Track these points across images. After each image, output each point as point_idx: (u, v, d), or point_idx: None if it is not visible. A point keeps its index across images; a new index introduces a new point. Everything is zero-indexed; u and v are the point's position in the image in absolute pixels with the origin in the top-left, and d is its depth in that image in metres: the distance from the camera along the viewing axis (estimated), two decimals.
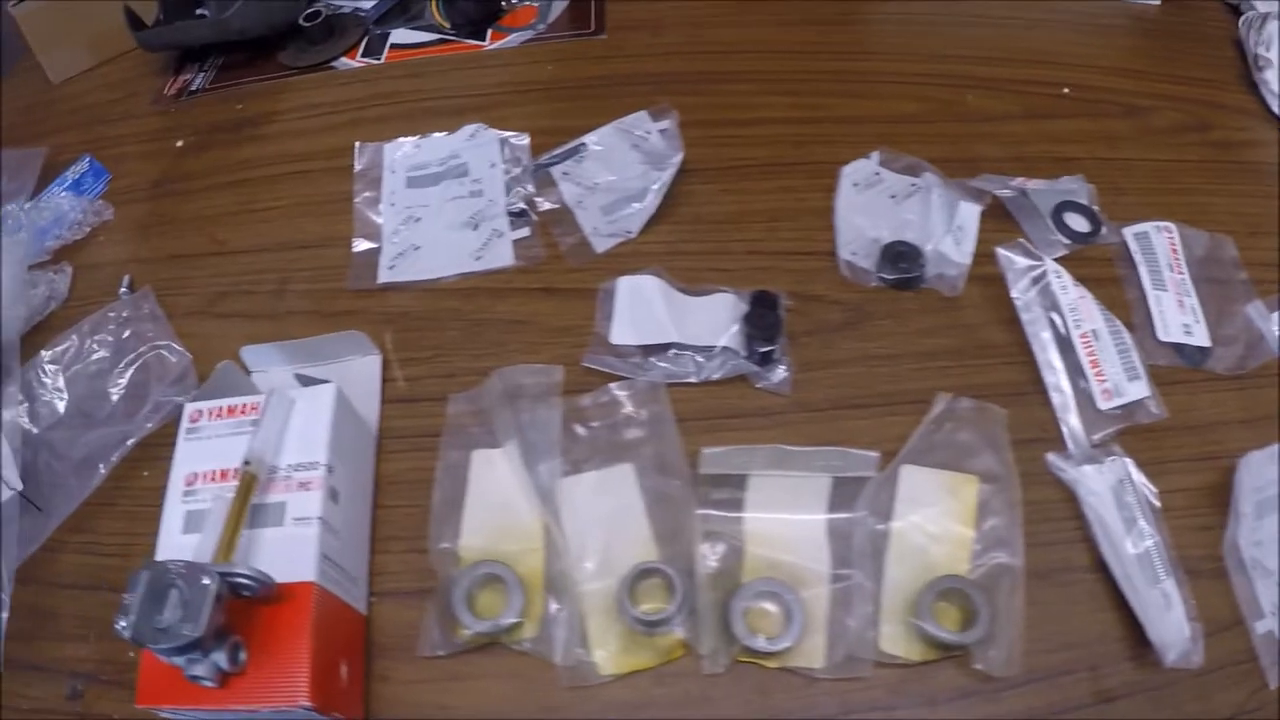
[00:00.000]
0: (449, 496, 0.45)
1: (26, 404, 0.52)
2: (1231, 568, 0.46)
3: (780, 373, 0.48)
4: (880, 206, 0.55)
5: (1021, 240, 0.50)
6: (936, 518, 0.44)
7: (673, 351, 0.48)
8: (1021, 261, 0.50)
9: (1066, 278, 0.50)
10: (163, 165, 0.66)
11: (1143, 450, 0.48)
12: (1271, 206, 0.60)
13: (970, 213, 0.52)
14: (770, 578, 0.42)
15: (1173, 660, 0.41)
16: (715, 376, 0.48)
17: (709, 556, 0.43)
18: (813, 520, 0.44)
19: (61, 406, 0.52)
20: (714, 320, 0.49)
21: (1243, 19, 0.68)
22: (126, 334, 0.55)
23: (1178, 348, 0.52)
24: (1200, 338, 0.53)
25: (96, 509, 0.48)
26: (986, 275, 0.51)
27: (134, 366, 0.53)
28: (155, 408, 0.51)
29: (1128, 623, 0.43)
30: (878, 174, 0.55)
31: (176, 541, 0.39)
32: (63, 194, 0.65)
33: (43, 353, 0.54)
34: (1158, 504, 0.47)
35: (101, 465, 0.50)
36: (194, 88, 0.71)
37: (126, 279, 0.58)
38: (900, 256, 0.52)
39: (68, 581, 0.46)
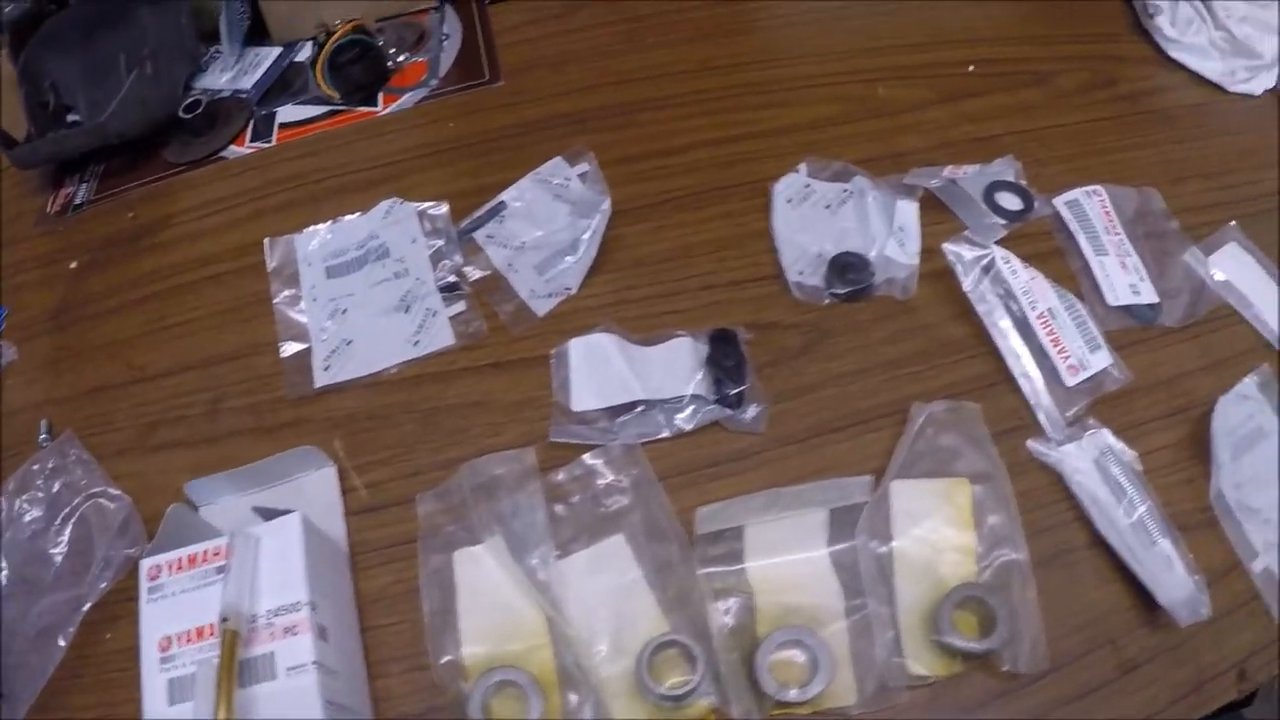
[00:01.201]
0: (439, 605, 0.44)
1: None
2: (1221, 514, 0.48)
3: (753, 411, 0.47)
4: (817, 219, 0.55)
5: (966, 233, 0.51)
6: (936, 528, 0.45)
7: (640, 409, 0.47)
8: (969, 253, 0.51)
9: (1015, 261, 0.51)
10: (60, 291, 0.63)
11: (1116, 418, 0.50)
12: (1187, 151, 0.62)
13: (909, 211, 0.52)
14: (788, 625, 0.42)
15: (1186, 620, 0.43)
16: (688, 427, 0.47)
17: (722, 615, 0.42)
18: (816, 556, 0.44)
19: (2, 578, 0.48)
20: (676, 368, 0.49)
21: None
22: (57, 487, 0.51)
23: (1128, 309, 0.54)
24: (1148, 295, 0.54)
25: (64, 684, 0.45)
26: (934, 272, 0.52)
27: (72, 521, 0.50)
28: (105, 564, 0.48)
29: (1134, 591, 0.45)
30: (808, 186, 0.55)
31: (165, 715, 0.37)
32: None
33: None
34: (1140, 468, 0.48)
35: (60, 637, 0.46)
36: (79, 201, 0.67)
37: (45, 424, 0.55)
38: (848, 268, 0.52)
39: None
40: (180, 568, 0.40)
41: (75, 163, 0.69)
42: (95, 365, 0.58)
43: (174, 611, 0.39)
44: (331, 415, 0.52)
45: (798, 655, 0.41)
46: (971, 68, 0.64)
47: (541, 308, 0.53)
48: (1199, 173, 0.61)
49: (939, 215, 0.56)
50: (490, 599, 0.44)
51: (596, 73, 0.64)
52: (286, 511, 0.43)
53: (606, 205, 0.54)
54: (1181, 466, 0.49)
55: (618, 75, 0.64)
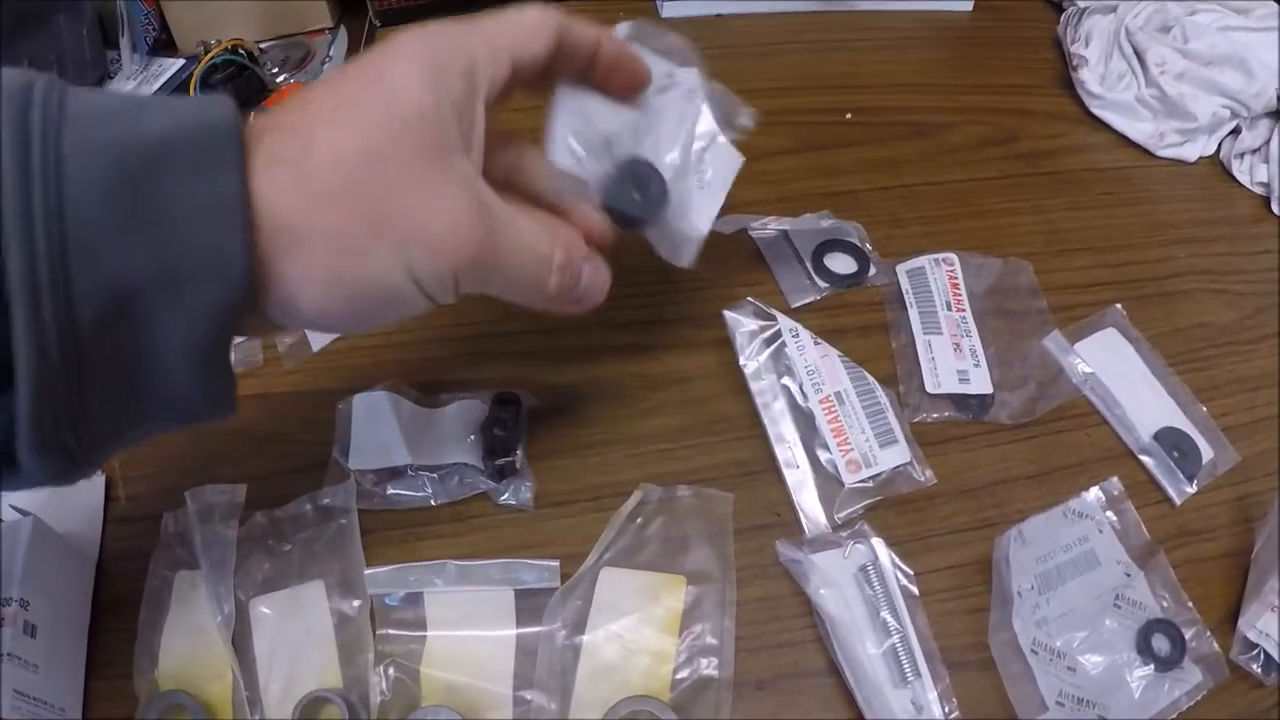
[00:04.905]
0: (150, 620, 0.44)
1: None
2: (999, 657, 0.42)
3: (516, 485, 0.45)
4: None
5: (751, 299, 0.46)
6: (634, 627, 0.41)
7: (409, 473, 0.46)
8: (750, 323, 0.46)
9: (805, 337, 0.46)
10: None
11: (901, 526, 0.44)
12: (1084, 219, 0.56)
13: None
14: (442, 704, 0.40)
15: None
16: (458, 496, 0.45)
17: (384, 680, 0.41)
18: (501, 636, 0.41)
19: None
20: (451, 433, 0.46)
21: (1063, 16, 0.64)
22: None
23: (954, 398, 0.48)
24: (979, 385, 0.48)
25: None
26: (722, 339, 0.48)
27: None
28: None
29: None
30: None
31: None
32: None
33: None
34: (915, 589, 0.43)
35: None
36: None
37: None
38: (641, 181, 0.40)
39: None
40: None
41: None
42: None
43: None
44: None
45: None
46: (849, 115, 0.59)
47: (317, 342, 0.52)
48: (1092, 245, 0.54)
49: (755, 277, 0.52)
50: (194, 623, 0.44)
51: None
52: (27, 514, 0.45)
53: None
54: (970, 592, 0.43)
55: None
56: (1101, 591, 0.44)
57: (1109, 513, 0.45)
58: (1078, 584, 0.44)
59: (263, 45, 0.70)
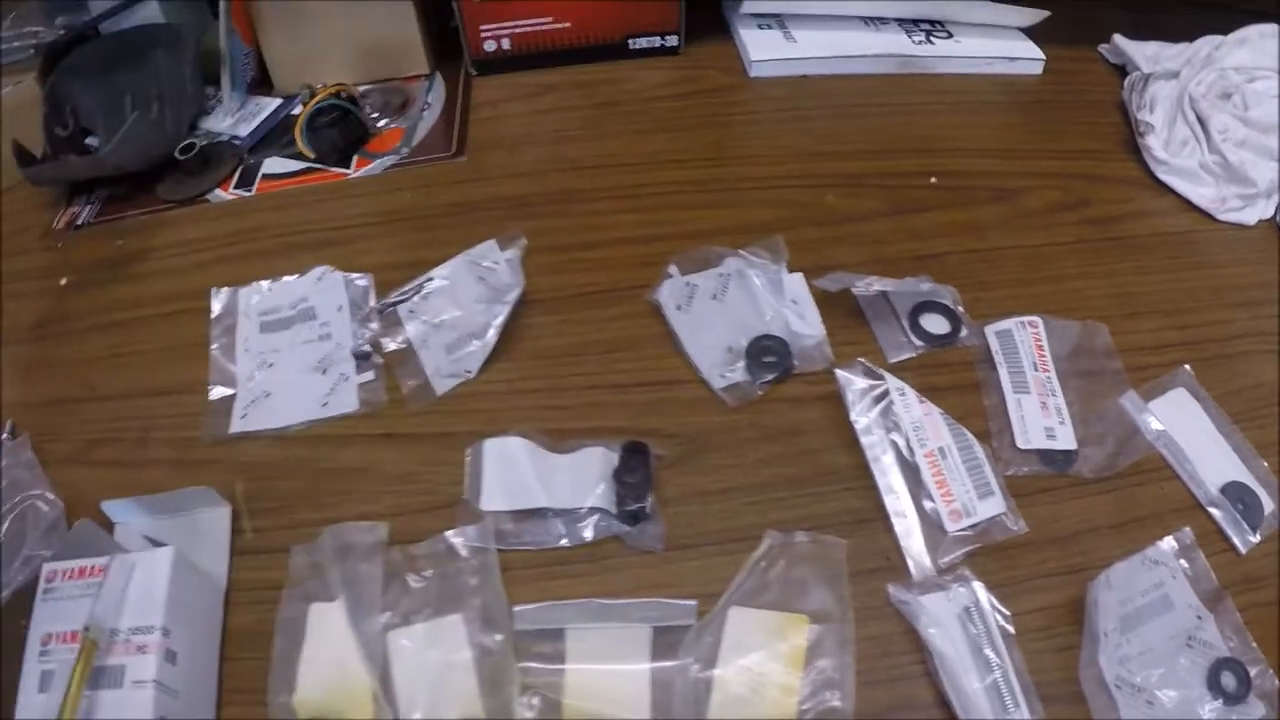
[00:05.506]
0: (286, 650, 0.48)
1: None
2: (1088, 691, 0.47)
3: (649, 528, 0.49)
4: (709, 314, 0.56)
5: (861, 360, 0.51)
6: (762, 662, 0.45)
7: (545, 516, 0.50)
8: (860, 382, 0.51)
9: (910, 395, 0.51)
10: (45, 305, 0.70)
11: (997, 571, 0.49)
12: (1152, 283, 0.60)
13: (797, 283, 0.54)
14: None
15: None
16: (588, 538, 0.49)
17: (526, 711, 0.45)
18: (636, 670, 0.46)
19: None
20: (584, 478, 0.51)
21: (1126, 81, 0.69)
22: (4, 483, 0.57)
23: (1041, 454, 0.53)
24: (1065, 440, 0.53)
25: None
26: (831, 395, 0.52)
27: (10, 517, 0.56)
28: (25, 561, 0.54)
29: None
30: (688, 284, 0.57)
31: (34, 701, 0.44)
32: None
33: None
34: (1011, 629, 0.47)
35: None
36: (80, 222, 0.74)
37: (10, 424, 0.61)
38: (766, 351, 0.54)
39: None
40: (72, 576, 0.47)
41: (85, 185, 0.76)
42: (59, 379, 0.64)
43: (60, 613, 0.45)
44: (239, 460, 0.57)
45: None
46: (934, 179, 0.64)
47: (441, 387, 0.56)
48: (1160, 308, 0.59)
49: (856, 334, 0.56)
50: (331, 654, 0.47)
51: (549, 157, 0.67)
52: (164, 545, 0.49)
53: (515, 294, 0.57)
54: (1059, 632, 0.48)
55: (569, 161, 0.66)
56: (1175, 633, 0.48)
57: (1182, 560, 0.50)
58: (1155, 625, 0.49)
59: (361, 89, 0.74)
